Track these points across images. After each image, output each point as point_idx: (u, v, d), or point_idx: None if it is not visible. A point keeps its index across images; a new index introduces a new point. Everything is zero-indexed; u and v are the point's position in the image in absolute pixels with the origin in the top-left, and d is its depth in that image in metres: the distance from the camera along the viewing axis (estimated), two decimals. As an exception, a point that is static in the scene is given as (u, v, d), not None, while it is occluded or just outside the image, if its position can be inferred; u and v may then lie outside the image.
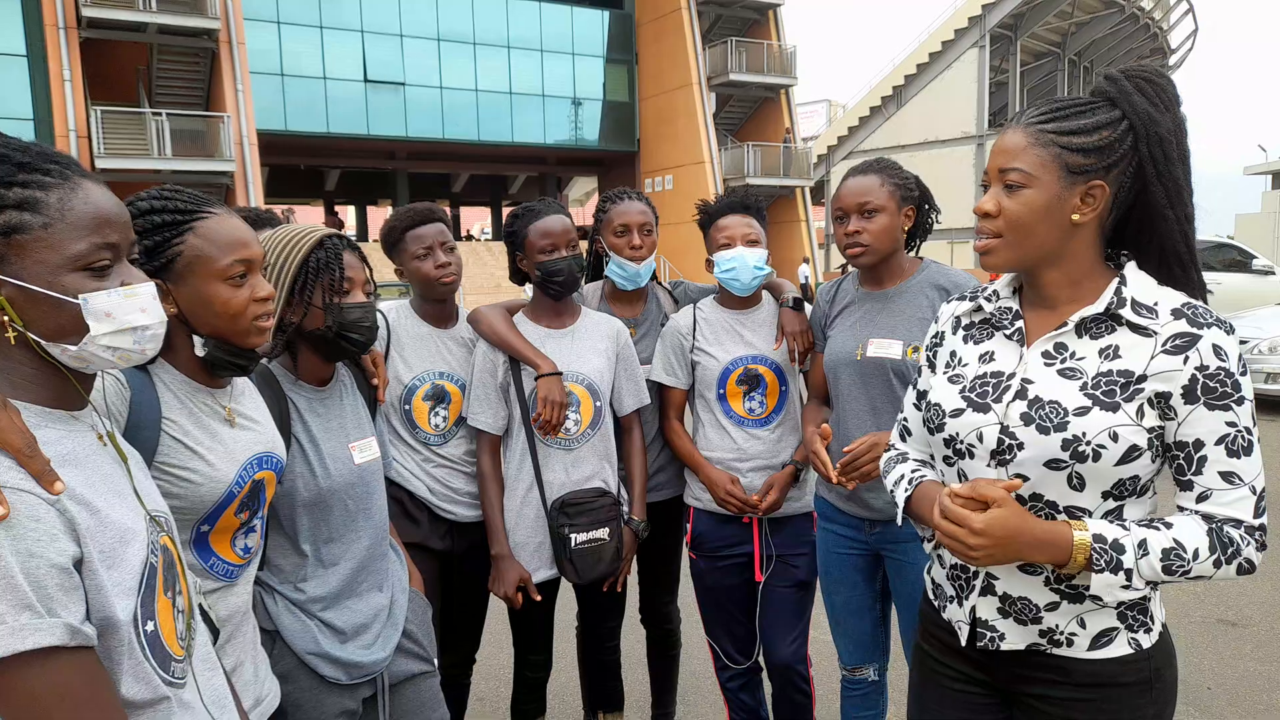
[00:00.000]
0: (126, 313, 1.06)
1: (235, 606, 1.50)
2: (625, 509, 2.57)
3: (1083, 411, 1.35)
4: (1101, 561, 1.30)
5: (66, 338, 1.03)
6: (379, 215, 41.31)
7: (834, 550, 2.42)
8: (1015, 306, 1.51)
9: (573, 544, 2.43)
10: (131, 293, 1.07)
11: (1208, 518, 1.33)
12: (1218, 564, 1.31)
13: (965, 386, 1.50)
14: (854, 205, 2.27)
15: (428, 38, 25.58)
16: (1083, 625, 1.42)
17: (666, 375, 2.62)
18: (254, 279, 1.47)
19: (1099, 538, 1.31)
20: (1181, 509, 1.37)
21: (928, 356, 1.65)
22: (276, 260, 1.78)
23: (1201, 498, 1.34)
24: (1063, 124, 1.36)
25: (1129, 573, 1.30)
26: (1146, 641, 1.44)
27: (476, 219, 49.61)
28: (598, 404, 2.50)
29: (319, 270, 1.78)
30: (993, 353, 1.50)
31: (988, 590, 1.48)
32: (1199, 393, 1.31)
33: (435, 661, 2.04)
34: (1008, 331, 1.50)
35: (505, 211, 37.41)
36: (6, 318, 1.00)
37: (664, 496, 2.73)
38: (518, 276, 2.60)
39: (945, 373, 1.56)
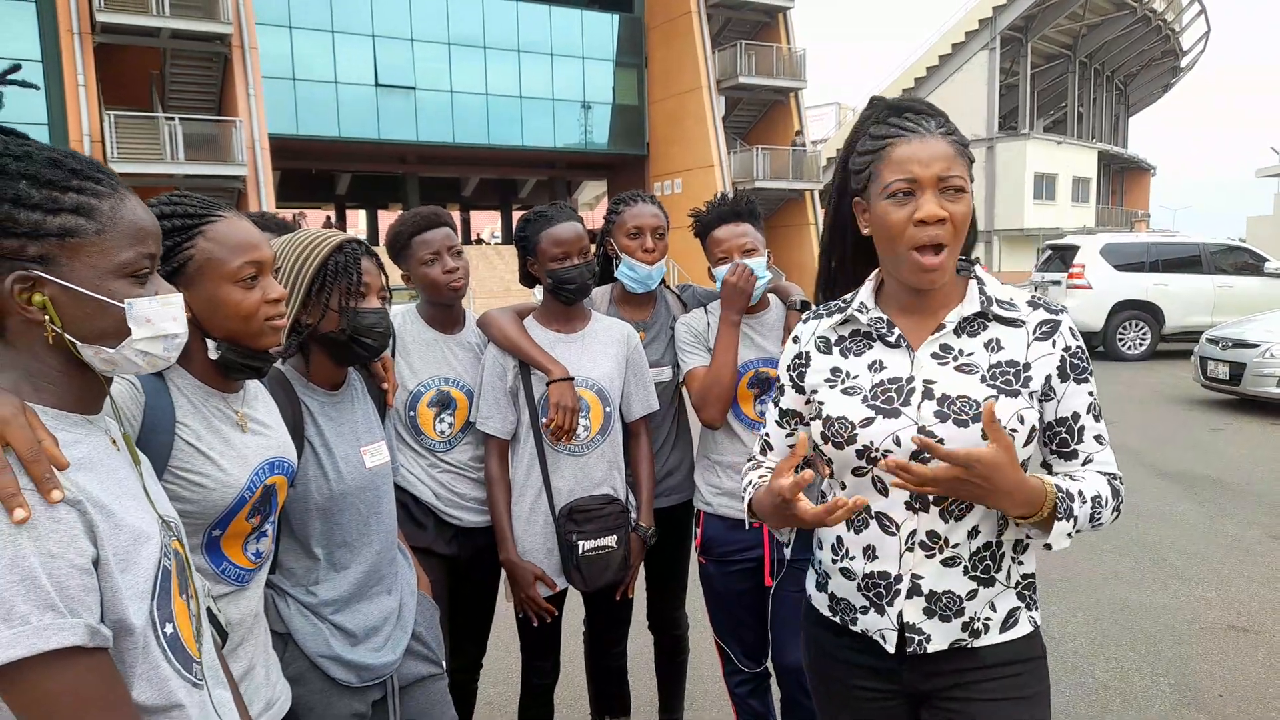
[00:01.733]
0: (163, 320, 1.10)
1: (247, 610, 1.51)
2: (633, 515, 2.57)
3: (993, 400, 1.43)
4: (1062, 509, 1.39)
5: (106, 340, 1.06)
6: (389, 219, 41.40)
7: None
8: (885, 316, 1.54)
9: (580, 551, 2.43)
10: (168, 301, 1.11)
11: (1101, 472, 1.49)
12: (1115, 510, 1.48)
13: (865, 396, 1.51)
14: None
15: (438, 42, 25.69)
16: (994, 609, 1.50)
17: (695, 359, 2.55)
18: (265, 281, 1.48)
19: (1057, 487, 1.41)
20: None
21: (790, 377, 1.66)
22: (295, 262, 1.79)
23: (1086, 461, 1.50)
24: (959, 137, 1.48)
25: (1075, 520, 1.40)
26: (1038, 618, 1.56)
27: (486, 222, 49.69)
28: (607, 410, 2.50)
29: (337, 273, 1.80)
30: (880, 361, 1.53)
31: (914, 592, 1.49)
32: (1069, 370, 1.47)
33: (444, 664, 2.05)
34: (889, 339, 1.53)
35: (515, 215, 37.53)
36: (47, 318, 1.02)
37: (673, 502, 2.73)
38: (528, 280, 2.60)
39: (833, 388, 1.55)
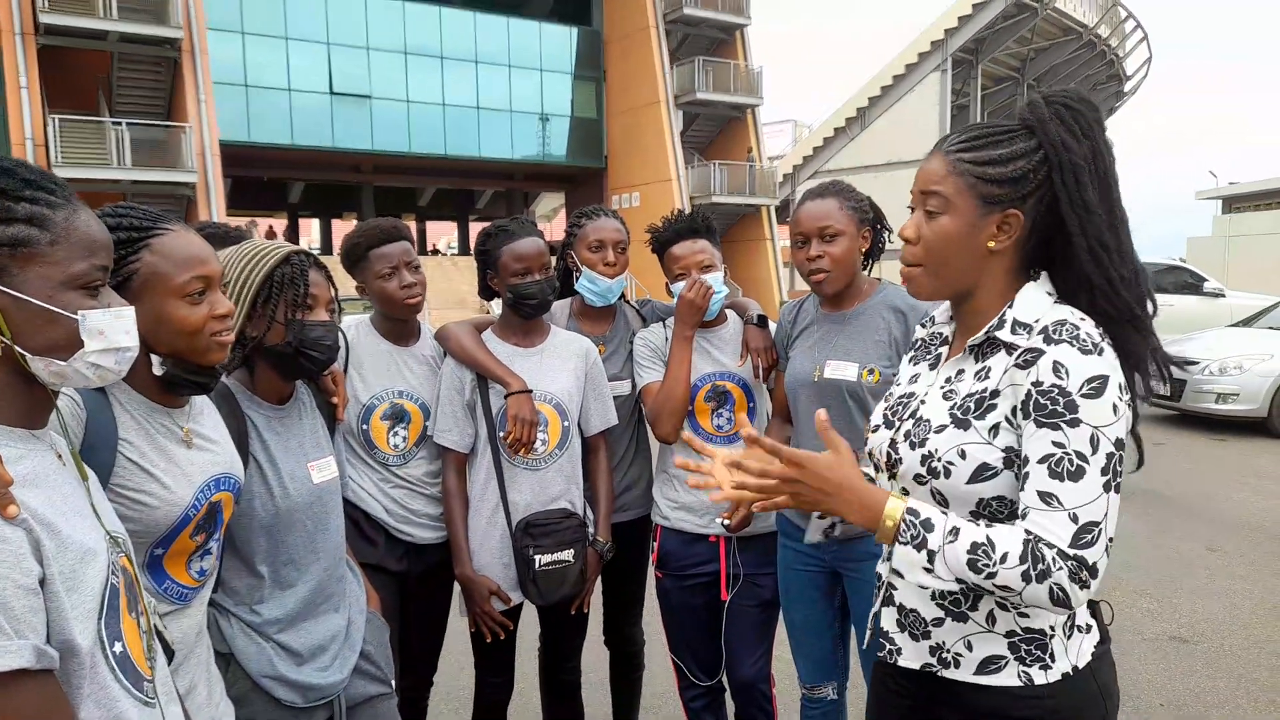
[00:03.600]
0: (115, 333, 1.08)
1: (189, 629, 1.47)
2: (590, 530, 2.56)
3: (941, 429, 1.39)
4: (907, 535, 1.29)
5: (57, 353, 1.04)
6: (344, 228, 40.85)
7: (793, 567, 2.43)
8: (946, 332, 1.55)
9: (537, 565, 2.41)
10: (120, 314, 1.10)
11: (1028, 532, 1.27)
12: (1026, 577, 1.24)
13: (889, 405, 1.56)
14: (814, 229, 2.27)
15: (395, 51, 25.47)
16: (969, 648, 1.41)
17: (651, 373, 2.57)
18: (213, 296, 1.45)
19: (913, 511, 1.30)
20: None
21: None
22: (240, 274, 1.76)
23: (1023, 514, 1.29)
24: (980, 154, 1.37)
25: (932, 554, 1.27)
26: (1041, 678, 1.38)
27: (443, 233, 49.37)
28: (565, 424, 2.49)
29: (283, 285, 1.77)
30: (918, 374, 1.56)
31: (888, 600, 1.52)
32: (1031, 408, 1.29)
33: (393, 683, 2.01)
34: (930, 357, 1.56)
35: (472, 226, 37.33)
36: None
37: (631, 517, 2.72)
38: (486, 292, 2.59)
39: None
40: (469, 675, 2.72)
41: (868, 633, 1.59)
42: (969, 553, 1.26)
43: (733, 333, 2.61)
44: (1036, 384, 1.29)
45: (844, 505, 1.33)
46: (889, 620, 1.51)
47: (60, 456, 1.10)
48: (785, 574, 2.46)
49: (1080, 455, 1.26)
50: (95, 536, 1.07)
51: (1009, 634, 1.39)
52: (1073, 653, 1.40)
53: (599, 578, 2.67)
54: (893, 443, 1.47)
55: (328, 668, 1.81)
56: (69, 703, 0.98)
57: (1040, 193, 1.36)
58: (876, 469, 1.55)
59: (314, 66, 24.31)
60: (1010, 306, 1.39)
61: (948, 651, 1.43)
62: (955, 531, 1.28)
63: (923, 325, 1.63)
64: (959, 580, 1.28)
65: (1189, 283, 14.32)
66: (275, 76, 23.86)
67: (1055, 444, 1.27)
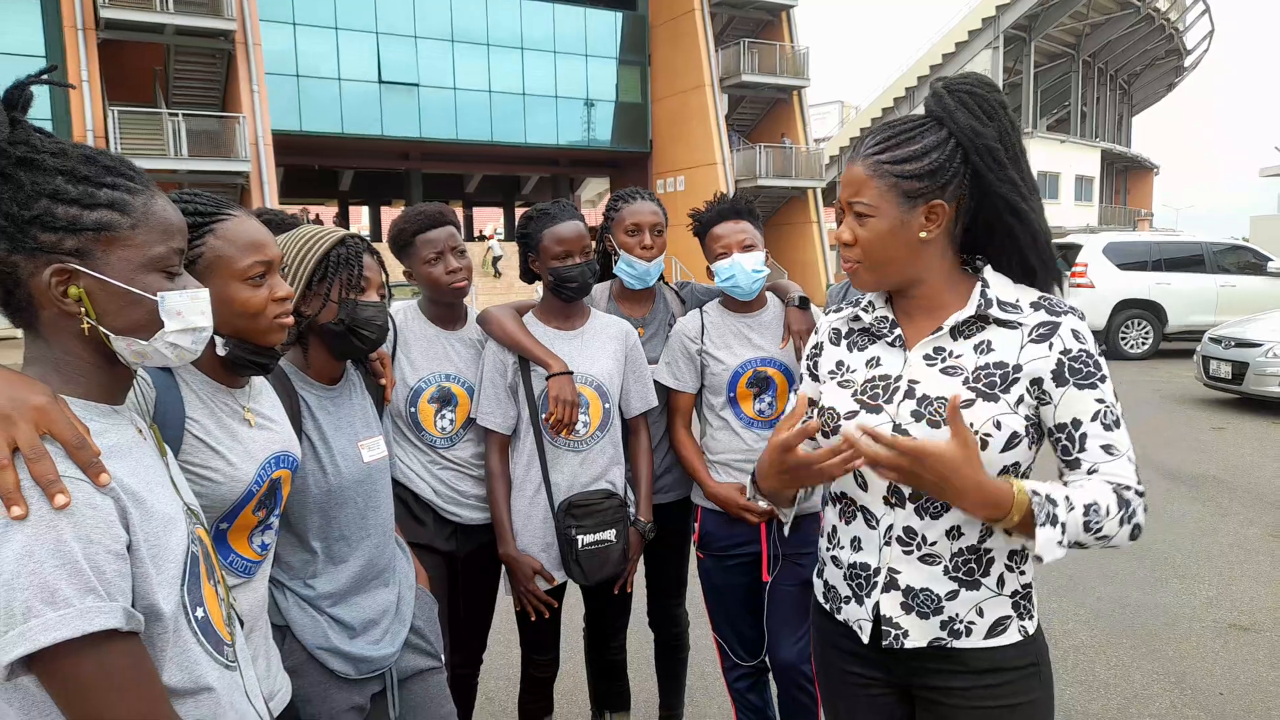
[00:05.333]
0: (192, 313, 1.12)
1: (254, 601, 1.52)
2: (632, 510, 2.58)
3: (969, 404, 1.42)
4: (1043, 515, 1.32)
5: (138, 333, 1.08)
6: (392, 215, 41.26)
7: None
8: (890, 315, 1.58)
9: (579, 545, 2.44)
10: (196, 295, 1.13)
11: (1108, 482, 1.38)
12: (1120, 522, 1.36)
13: (856, 390, 1.55)
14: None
15: (442, 39, 25.68)
16: (980, 614, 1.47)
17: (672, 379, 2.62)
18: (273, 279, 1.50)
19: (1035, 491, 1.34)
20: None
21: (808, 366, 1.72)
22: (297, 255, 1.81)
23: (1090, 471, 1.40)
24: (895, 153, 1.44)
25: (1063, 526, 1.33)
26: (1030, 628, 1.51)
27: (489, 219, 49.74)
28: (606, 406, 2.51)
29: (338, 266, 1.82)
30: (878, 358, 1.57)
31: (890, 586, 1.51)
32: (1067, 374, 1.41)
33: (443, 658, 2.06)
34: (889, 339, 1.56)
35: (518, 212, 37.51)
36: (82, 310, 1.05)
37: (672, 498, 2.74)
38: (528, 276, 2.61)
39: (833, 379, 1.61)
40: (517, 654, 2.76)
41: (864, 626, 1.54)
42: (1085, 515, 1.34)
43: (773, 316, 2.60)
44: (1066, 352, 1.41)
45: (963, 499, 1.34)
46: (891, 606, 1.51)
47: (140, 432, 1.15)
48: None
49: (1114, 405, 1.42)
50: (175, 507, 1.11)
51: (1013, 594, 1.49)
52: (1036, 604, 1.55)
53: (642, 559, 2.69)
54: (896, 426, 1.46)
55: (379, 641, 1.86)
56: (153, 665, 1.03)
57: (958, 179, 1.44)
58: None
59: (363, 56, 24.63)
60: (987, 288, 1.48)
61: (960, 622, 1.48)
62: (1069, 499, 1.35)
63: (864, 311, 1.61)
64: (1072, 546, 1.35)
65: (1252, 262, 13.90)
66: (326, 66, 24.22)
67: (1098, 400, 1.41)
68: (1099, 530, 1.35)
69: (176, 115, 19.91)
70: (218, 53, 21.24)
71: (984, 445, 1.40)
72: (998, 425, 1.41)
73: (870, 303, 1.62)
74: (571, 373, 2.44)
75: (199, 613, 1.11)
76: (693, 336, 2.60)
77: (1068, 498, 1.35)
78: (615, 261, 2.70)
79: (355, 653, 1.80)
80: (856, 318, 1.64)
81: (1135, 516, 1.37)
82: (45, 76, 1.12)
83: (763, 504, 2.46)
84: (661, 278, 2.78)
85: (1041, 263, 1.48)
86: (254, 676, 1.27)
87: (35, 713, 0.97)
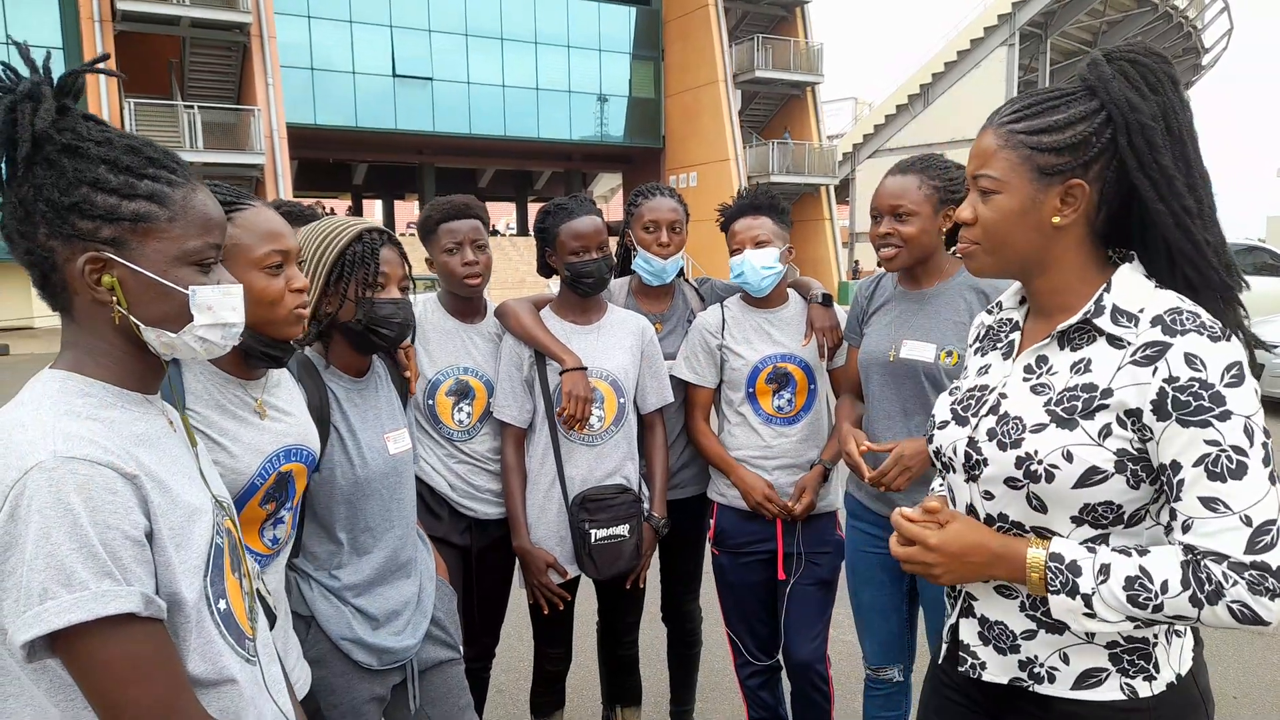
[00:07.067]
0: (223, 309, 1.13)
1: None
2: (646, 506, 2.59)
3: (1039, 429, 1.26)
4: (1056, 582, 1.20)
5: (168, 325, 1.09)
6: (406, 209, 41.45)
7: (861, 549, 2.41)
8: (1016, 318, 1.44)
9: (592, 540, 2.45)
10: (229, 291, 1.14)
11: (1189, 549, 1.16)
12: (1195, 601, 1.14)
13: (957, 399, 1.45)
14: (888, 206, 2.23)
15: (456, 33, 25.69)
16: (1065, 661, 1.31)
17: (691, 374, 2.62)
18: (290, 270, 1.51)
19: (1056, 556, 1.21)
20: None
21: (964, 366, 1.61)
22: (314, 252, 1.82)
23: (1185, 527, 1.17)
24: (1033, 122, 1.26)
25: (1087, 598, 1.18)
26: (1145, 690, 1.28)
27: (502, 214, 49.78)
28: (621, 401, 2.51)
29: (354, 263, 1.82)
30: (989, 366, 1.44)
31: (968, 612, 1.41)
32: (1169, 407, 1.16)
33: (461, 649, 2.07)
34: (1002, 345, 1.44)
35: (531, 207, 37.57)
36: (114, 299, 1.06)
37: (687, 494, 2.74)
38: (545, 270, 2.62)
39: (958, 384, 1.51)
40: (529, 648, 2.78)
41: (943, 646, 1.50)
42: (1125, 588, 1.16)
43: (794, 313, 2.60)
44: (1171, 380, 1.16)
45: (987, 567, 1.28)
46: (969, 633, 1.40)
47: (171, 423, 1.17)
48: (853, 555, 2.45)
49: (1239, 450, 1.14)
50: (202, 498, 1.13)
51: (1110, 645, 1.29)
52: (1175, 660, 1.31)
53: (655, 554, 2.69)
54: (972, 442, 1.35)
55: (401, 632, 1.87)
56: (177, 652, 1.04)
57: (1106, 158, 1.24)
58: (947, 469, 1.43)
59: (378, 49, 24.66)
60: (1108, 290, 1.26)
61: (1040, 665, 1.33)
62: (1105, 569, 1.18)
63: (988, 312, 1.51)
64: (1132, 620, 1.18)
65: (1269, 263, 13.77)
66: (340, 60, 24.27)
67: (1209, 442, 1.14)
68: (1157, 607, 1.15)
69: (192, 108, 20.02)
70: (233, 45, 21.33)
71: (1050, 478, 1.24)
72: (1068, 457, 1.23)
73: (999, 302, 1.49)
74: (585, 368, 2.44)
75: (221, 605, 1.12)
76: (713, 331, 2.60)
77: (1106, 567, 1.18)
78: (634, 258, 2.70)
79: (378, 644, 1.82)
80: (992, 314, 1.52)
81: (1226, 594, 1.13)
82: (98, 66, 1.13)
83: (789, 503, 2.47)
84: (681, 274, 2.78)
85: (1198, 273, 1.23)
86: (277, 673, 1.28)
87: (61, 695, 0.98)
